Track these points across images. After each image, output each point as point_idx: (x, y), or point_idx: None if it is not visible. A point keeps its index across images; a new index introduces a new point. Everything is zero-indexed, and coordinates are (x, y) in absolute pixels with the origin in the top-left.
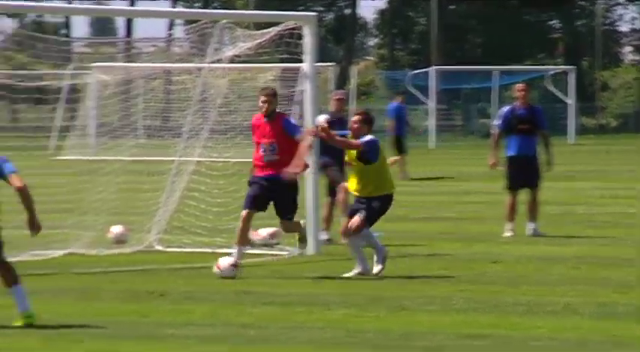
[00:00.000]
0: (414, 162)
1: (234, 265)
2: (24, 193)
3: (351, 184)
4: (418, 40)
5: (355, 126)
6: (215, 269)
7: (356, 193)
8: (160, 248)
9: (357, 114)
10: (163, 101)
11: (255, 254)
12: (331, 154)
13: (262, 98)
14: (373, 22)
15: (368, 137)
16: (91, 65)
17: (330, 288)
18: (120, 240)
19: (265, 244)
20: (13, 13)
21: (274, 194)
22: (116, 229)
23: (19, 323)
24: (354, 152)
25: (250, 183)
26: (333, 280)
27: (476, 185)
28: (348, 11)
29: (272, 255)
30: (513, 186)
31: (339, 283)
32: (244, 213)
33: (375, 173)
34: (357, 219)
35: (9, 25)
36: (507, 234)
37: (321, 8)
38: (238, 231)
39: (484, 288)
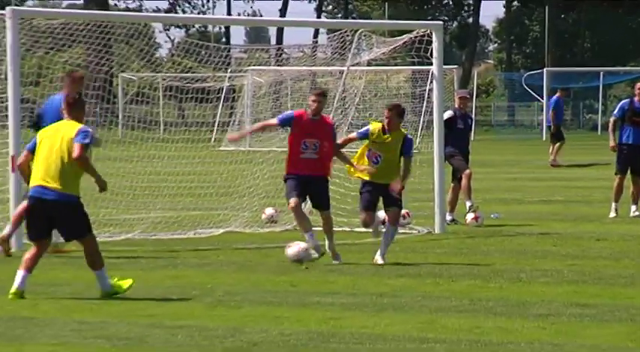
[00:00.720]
0: (529, 152)
1: (307, 249)
2: (81, 164)
3: (381, 174)
4: (532, 45)
5: (388, 120)
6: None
7: (381, 181)
8: None
9: (389, 108)
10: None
11: None
12: (456, 145)
13: (313, 97)
14: (492, 30)
15: (408, 136)
16: (247, 68)
17: (455, 262)
18: (272, 220)
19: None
20: (181, 24)
21: (306, 184)
22: (269, 210)
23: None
24: (395, 145)
25: (287, 179)
26: (458, 255)
27: (584, 172)
28: (470, 20)
29: (404, 233)
30: (622, 170)
31: (462, 258)
32: (293, 201)
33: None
34: (397, 217)
35: (178, 34)
36: (612, 213)
37: (446, 18)
38: (297, 221)
39: (590, 263)
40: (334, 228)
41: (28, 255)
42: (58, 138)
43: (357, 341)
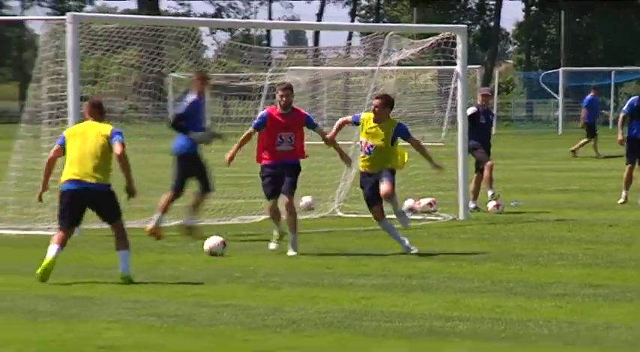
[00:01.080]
0: (546, 145)
1: (224, 242)
2: (122, 160)
3: (376, 164)
4: (549, 47)
5: (377, 109)
6: (205, 248)
7: (378, 171)
8: (340, 214)
9: (378, 97)
10: (343, 97)
11: (417, 219)
12: (478, 139)
13: (280, 93)
14: (512, 32)
15: (400, 124)
16: (287, 68)
17: (477, 247)
18: (309, 208)
19: (426, 211)
20: (226, 28)
21: (282, 178)
22: (306, 199)
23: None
24: (386, 135)
25: (264, 177)
26: (480, 240)
27: (597, 163)
28: (492, 23)
29: (431, 219)
30: (631, 160)
31: (485, 243)
32: (271, 203)
33: (394, 150)
34: (387, 187)
35: (223, 37)
36: (621, 199)
37: (470, 21)
38: (272, 219)
39: (603, 247)
40: (368, 215)
41: (57, 237)
42: (92, 134)
43: (388, 319)
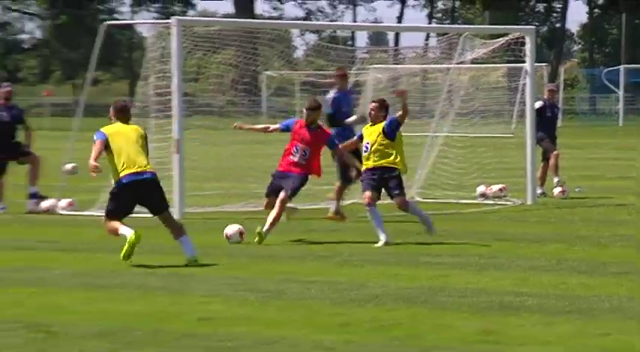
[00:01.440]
0: (607, 136)
1: (241, 232)
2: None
3: (374, 158)
4: (611, 46)
5: (372, 112)
6: (225, 237)
7: (377, 164)
8: (419, 199)
9: (374, 101)
10: (421, 92)
11: (489, 203)
12: (545, 130)
13: (305, 111)
14: (577, 33)
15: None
16: (369, 67)
17: (544, 229)
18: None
19: (497, 196)
20: (315, 30)
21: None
22: None
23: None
24: (378, 131)
25: (272, 175)
26: (547, 223)
27: None
28: (558, 25)
29: (501, 204)
30: None
31: (551, 225)
32: (264, 201)
33: (399, 147)
34: (403, 200)
35: (312, 38)
36: None
37: (538, 23)
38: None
39: None
40: (444, 200)
41: (116, 226)
42: (131, 132)
43: (462, 294)
